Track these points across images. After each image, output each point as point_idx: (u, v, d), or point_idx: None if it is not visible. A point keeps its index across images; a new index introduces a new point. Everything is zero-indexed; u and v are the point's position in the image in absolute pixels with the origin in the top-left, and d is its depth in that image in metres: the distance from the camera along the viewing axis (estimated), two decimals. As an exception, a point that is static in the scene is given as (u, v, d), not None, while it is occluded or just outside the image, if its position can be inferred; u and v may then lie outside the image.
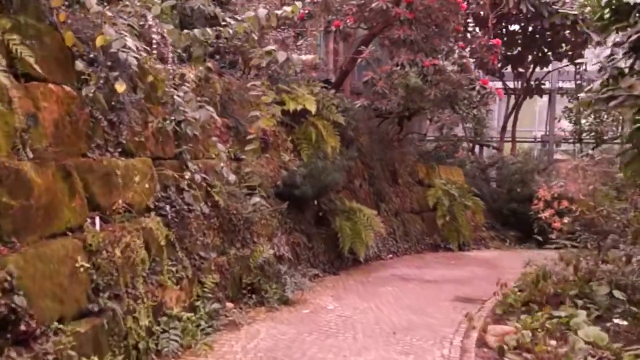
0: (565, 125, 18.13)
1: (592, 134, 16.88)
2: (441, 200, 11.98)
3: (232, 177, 6.27)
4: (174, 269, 5.41)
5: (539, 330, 5.57)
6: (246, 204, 6.97)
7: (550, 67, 17.68)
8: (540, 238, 13.10)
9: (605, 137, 16.95)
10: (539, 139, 20.64)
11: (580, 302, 6.52)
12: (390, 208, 11.27)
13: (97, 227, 4.60)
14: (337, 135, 9.55)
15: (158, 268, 5.17)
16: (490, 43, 9.57)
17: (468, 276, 9.17)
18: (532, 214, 13.59)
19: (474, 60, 10.43)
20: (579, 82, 16.96)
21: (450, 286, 8.30)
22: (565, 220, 13.07)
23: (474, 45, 9.61)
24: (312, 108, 9.02)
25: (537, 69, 17.31)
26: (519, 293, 7.27)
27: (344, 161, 9.28)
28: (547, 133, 20.47)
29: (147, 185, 5.36)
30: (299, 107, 9.00)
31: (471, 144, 16.53)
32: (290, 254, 8.08)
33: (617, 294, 6.62)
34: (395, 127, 13.14)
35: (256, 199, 6.77)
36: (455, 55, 9.33)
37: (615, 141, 17.33)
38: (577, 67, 16.87)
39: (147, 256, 4.94)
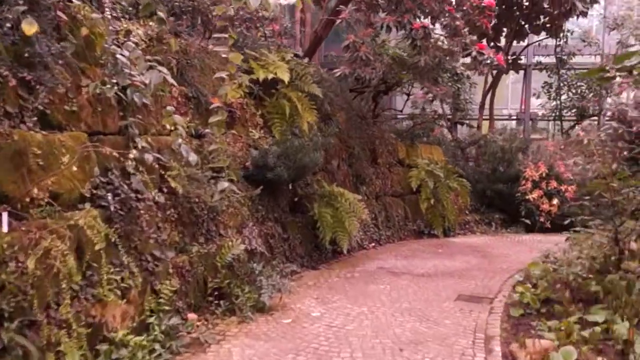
0: (545, 101, 17.34)
1: (574, 110, 16.12)
2: (425, 182, 10.92)
3: (193, 157, 4.97)
4: (117, 277, 4.13)
5: (582, 343, 4.53)
6: (211, 190, 5.69)
7: (526, 41, 16.80)
8: (528, 221, 12.28)
9: (585, 114, 16.24)
10: (514, 117, 19.85)
11: (615, 302, 5.53)
12: (370, 191, 10.14)
13: (4, 227, 3.29)
14: (313, 109, 8.33)
15: (95, 278, 3.88)
16: (482, 4, 8.44)
17: (463, 267, 8.14)
18: (519, 195, 12.76)
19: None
20: (559, 55, 16.11)
21: (448, 281, 7.24)
22: (555, 201, 12.26)
23: (464, 7, 8.47)
24: (285, 77, 7.77)
25: (514, 43, 16.40)
26: (532, 289, 6.24)
27: (322, 139, 8.07)
28: (523, 110, 19.71)
29: (79, 169, 4.03)
30: (270, 76, 7.75)
31: (449, 122, 15.52)
32: (264, 247, 6.87)
33: (649, 289, 5.65)
34: (369, 102, 11.99)
35: (224, 184, 5.48)
36: (447, 16, 8.15)
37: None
38: (558, 40, 15.99)
39: (76, 264, 3.64)
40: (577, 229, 10.02)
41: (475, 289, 6.87)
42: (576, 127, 16.74)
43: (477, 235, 11.60)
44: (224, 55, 6.06)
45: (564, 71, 16.36)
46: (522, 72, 18.26)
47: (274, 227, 7.33)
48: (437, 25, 9.03)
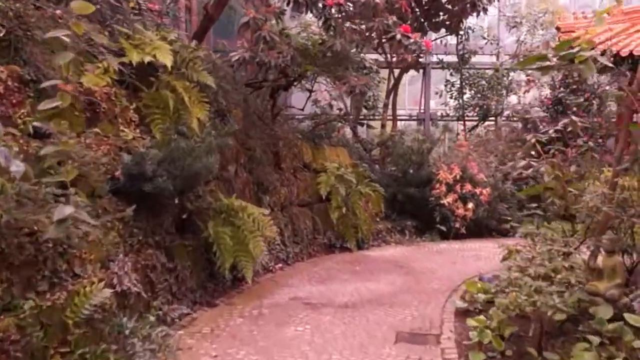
0: (446, 101, 16.76)
1: (477, 109, 15.63)
2: (335, 188, 9.57)
3: (18, 167, 3.15)
4: None
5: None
6: (55, 214, 3.87)
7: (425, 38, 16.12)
8: (443, 227, 11.36)
9: (489, 113, 15.80)
10: (415, 117, 19.20)
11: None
12: (275, 201, 8.60)
13: None
14: (205, 102, 6.65)
15: None
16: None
17: (389, 291, 6.85)
18: (432, 199, 11.82)
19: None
20: (461, 53, 15.53)
21: (378, 312, 5.89)
22: (470, 205, 11.43)
23: (380, -14, 7.24)
24: (167, 61, 6.08)
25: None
26: (488, 322, 5.03)
27: (218, 139, 6.41)
28: (423, 110, 19.13)
29: None
30: (147, 59, 6.02)
31: (353, 122, 14.36)
32: (141, 285, 5.11)
33: (630, 319, 4.61)
34: (266, 99, 10.47)
35: (65, 209, 3.62)
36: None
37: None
38: (460, 37, 15.40)
39: None
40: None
41: (414, 322, 5.56)
42: (479, 127, 16.32)
43: (392, 246, 10.45)
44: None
45: (465, 69, 15.80)
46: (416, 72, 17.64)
47: (155, 255, 5.57)
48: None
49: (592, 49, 5.51)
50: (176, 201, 5.96)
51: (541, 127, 13.08)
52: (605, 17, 5.57)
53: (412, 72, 18.81)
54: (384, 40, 7.45)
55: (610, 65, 6.96)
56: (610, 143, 12.92)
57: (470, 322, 5.05)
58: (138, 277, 5.13)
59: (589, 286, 5.05)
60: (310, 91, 11.88)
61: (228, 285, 6.62)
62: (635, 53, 12.57)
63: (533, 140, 6.64)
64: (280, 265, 8.01)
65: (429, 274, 7.88)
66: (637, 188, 6.27)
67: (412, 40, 7.03)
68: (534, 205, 6.89)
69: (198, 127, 6.34)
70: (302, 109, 12.59)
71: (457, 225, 11.12)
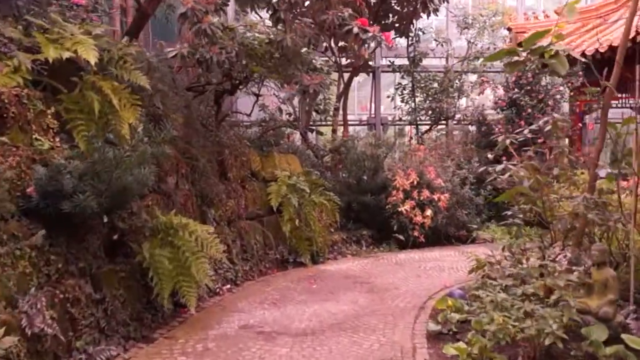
0: (397, 105, 16.32)
1: (430, 112, 15.24)
2: (287, 198, 8.85)
3: None
4: None
5: None
6: None
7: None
8: (401, 237, 10.80)
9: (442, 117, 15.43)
10: (365, 122, 18.72)
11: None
12: (221, 215, 7.81)
13: None
14: (138, 106, 5.82)
15: None
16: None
17: (352, 312, 6.18)
18: (389, 207, 11.27)
19: None
20: (412, 55, 15.11)
21: (342, 340, 5.21)
22: (428, 212, 10.92)
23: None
24: (91, 57, 5.23)
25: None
26: (467, 348, 4.42)
27: (153, 147, 5.58)
28: (373, 114, 18.68)
29: None
30: (66, 55, 5.16)
31: (303, 127, 13.68)
32: (60, 323, 4.25)
33: (630, 341, 4.09)
34: (210, 105, 9.67)
35: None
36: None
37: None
38: (410, 40, 15.00)
39: None
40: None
41: (383, 351, 4.91)
42: (432, 131, 15.95)
43: (348, 258, 9.80)
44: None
45: (416, 72, 15.39)
46: (367, 75, 17.22)
47: (78, 285, 4.70)
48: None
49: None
50: (105, 220, 5.11)
51: (496, 129, 12.80)
52: (575, 8, 5.10)
53: (359, 77, 18.45)
54: (338, 41, 6.74)
55: (584, 60, 6.56)
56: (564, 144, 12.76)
57: (449, 349, 4.45)
58: (56, 314, 4.28)
59: (578, 303, 4.53)
60: (257, 95, 11.12)
61: (169, 314, 5.78)
62: (587, 53, 12.48)
63: (507, 141, 6.13)
64: (228, 286, 7.21)
65: (393, 290, 7.27)
66: (615, 191, 5.86)
67: (370, 34, 6.41)
68: (508, 212, 6.34)
69: (130, 134, 5.50)
70: (249, 115, 11.81)
71: (416, 233, 10.59)
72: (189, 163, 7.34)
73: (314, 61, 9.53)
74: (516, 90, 12.48)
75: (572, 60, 12.80)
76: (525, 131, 6.25)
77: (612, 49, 11.78)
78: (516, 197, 6.06)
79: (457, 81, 15.30)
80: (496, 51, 5.75)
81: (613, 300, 4.49)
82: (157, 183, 6.40)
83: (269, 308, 6.34)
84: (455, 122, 15.85)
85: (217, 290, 6.93)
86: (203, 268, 5.37)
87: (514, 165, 5.86)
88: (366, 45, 6.68)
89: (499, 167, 5.74)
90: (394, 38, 15.47)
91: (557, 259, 5.70)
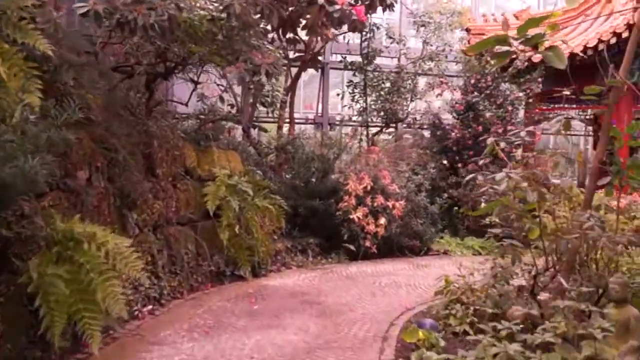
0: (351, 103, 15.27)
1: (382, 113, 14.30)
2: (227, 201, 7.62)
3: None
4: None
5: None
6: None
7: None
8: (352, 247, 9.77)
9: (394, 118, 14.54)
10: (311, 120, 17.63)
11: None
12: (146, 219, 6.49)
13: None
14: (37, 78, 4.48)
15: None
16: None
17: (302, 345, 5.05)
18: (340, 214, 10.22)
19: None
20: (365, 51, 14.13)
21: (291, 388, 4.07)
22: (382, 221, 9.94)
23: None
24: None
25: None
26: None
27: (53, 131, 4.26)
28: (320, 113, 17.62)
29: None
30: None
31: (248, 121, 12.43)
32: None
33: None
34: (141, 90, 8.34)
35: None
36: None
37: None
38: (364, 34, 14.00)
39: None
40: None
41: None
42: (383, 133, 15.04)
43: (294, 270, 8.66)
44: None
45: (369, 71, 14.40)
46: (316, 71, 16.12)
47: None
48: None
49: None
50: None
51: (453, 133, 12.03)
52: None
53: (304, 74, 17.41)
54: (287, 32, 5.57)
55: (582, 55, 5.71)
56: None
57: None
58: None
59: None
60: (196, 83, 9.80)
61: (68, 349, 4.46)
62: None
63: (502, 144, 5.19)
64: (150, 307, 5.92)
65: (348, 313, 6.19)
66: (615, 206, 5.02)
67: (337, 7, 5.32)
68: (497, 230, 5.39)
69: (20, 114, 4.15)
70: (186, 104, 10.45)
71: (368, 243, 9.58)
72: (107, 155, 5.99)
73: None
74: (475, 93, 11.71)
75: (531, 66, 12.19)
76: (522, 133, 5.31)
77: (572, 56, 11.24)
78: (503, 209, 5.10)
79: (409, 82, 14.46)
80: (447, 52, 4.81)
81: (637, 347, 3.57)
82: (63, 178, 5.06)
83: (200, 338, 5.11)
84: (405, 125, 15.02)
85: (137, 313, 5.63)
86: (113, 293, 4.09)
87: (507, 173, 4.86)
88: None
89: (498, 176, 4.73)
90: (343, 33, 14.49)
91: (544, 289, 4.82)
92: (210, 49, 7.31)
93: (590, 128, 17.27)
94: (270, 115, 12.24)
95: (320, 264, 9.22)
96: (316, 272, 8.55)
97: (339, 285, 7.66)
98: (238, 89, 11.27)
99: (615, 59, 11.48)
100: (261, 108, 12.40)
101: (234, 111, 11.73)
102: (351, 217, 9.53)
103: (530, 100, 11.62)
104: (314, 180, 10.58)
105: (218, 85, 10.53)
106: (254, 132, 14.51)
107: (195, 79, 9.66)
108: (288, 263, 8.94)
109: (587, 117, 15.32)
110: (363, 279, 8.20)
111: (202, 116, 10.50)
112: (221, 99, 8.57)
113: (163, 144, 7.43)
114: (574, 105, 12.78)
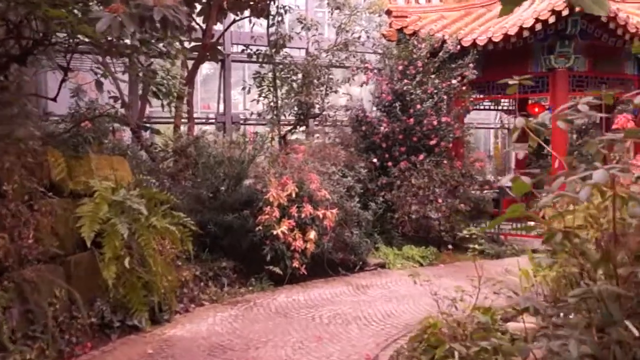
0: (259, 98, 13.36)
1: (296, 109, 12.57)
2: (112, 225, 5.52)
3: None
4: None
5: None
6: None
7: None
8: (277, 269, 7.94)
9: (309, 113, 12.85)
10: (212, 119, 15.55)
11: None
12: (-19, 262, 4.28)
13: None
14: None
15: None
16: None
17: None
18: (259, 229, 8.37)
19: None
20: (274, 39, 12.31)
21: None
22: (312, 235, 8.18)
23: None
24: None
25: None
26: None
27: None
28: (222, 112, 15.60)
29: None
30: None
31: (138, 120, 10.18)
32: None
33: None
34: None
35: None
36: None
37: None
38: (271, 19, 12.21)
39: None
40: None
41: None
42: (296, 132, 13.33)
43: (207, 308, 6.68)
44: None
45: (279, 62, 12.59)
46: (216, 62, 14.13)
47: None
48: None
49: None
50: None
51: (382, 128, 10.54)
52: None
53: (200, 75, 15.43)
54: None
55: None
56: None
57: None
58: None
59: None
60: (67, 70, 7.51)
61: None
62: (478, 42, 10.76)
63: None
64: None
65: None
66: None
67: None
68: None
69: None
70: (55, 99, 8.08)
71: (296, 263, 7.81)
72: None
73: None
74: (405, 81, 10.29)
75: (463, 50, 10.91)
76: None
77: (506, 38, 10.18)
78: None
79: (324, 73, 12.84)
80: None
81: None
82: None
83: None
84: (316, 122, 13.40)
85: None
86: None
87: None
88: None
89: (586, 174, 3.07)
90: (244, 18, 12.68)
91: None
92: (80, 20, 5.23)
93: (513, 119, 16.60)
94: (165, 112, 10.05)
95: (240, 295, 7.30)
96: (236, 309, 6.63)
97: (270, 328, 5.82)
98: (124, 78, 9.04)
99: (550, 42, 10.58)
100: (155, 105, 10.15)
101: (119, 107, 9.50)
102: (274, 232, 7.69)
103: (464, 88, 10.37)
104: (224, 189, 8.61)
105: (96, 73, 8.28)
106: (146, 134, 12.26)
107: (66, 65, 7.41)
108: (198, 298, 6.94)
109: (509, 107, 14.50)
110: (298, 313, 6.42)
111: (75, 114, 8.23)
112: (98, 84, 6.39)
113: (11, 151, 5.20)
114: (501, 94, 11.74)
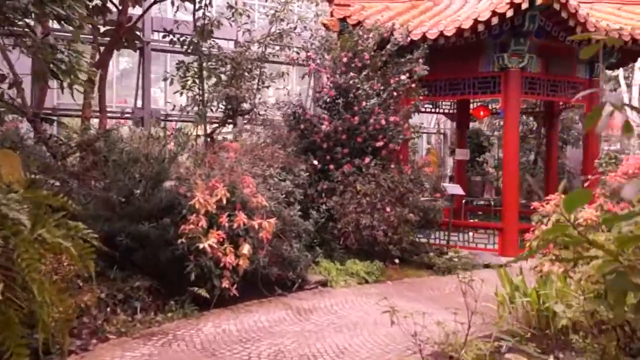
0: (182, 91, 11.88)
1: (224, 103, 11.26)
2: (-24, 241, 4.04)
3: None
4: None
5: None
6: None
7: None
8: (203, 291, 6.60)
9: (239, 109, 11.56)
10: (129, 114, 13.90)
11: None
12: None
13: None
14: None
15: None
16: None
17: None
18: (183, 241, 6.99)
19: None
20: (200, 24, 10.90)
21: None
22: (246, 249, 6.89)
23: None
24: None
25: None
26: None
27: None
28: (140, 105, 14.00)
29: None
30: None
31: (35, 108, 8.51)
32: None
33: None
34: None
35: None
36: None
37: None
38: (197, 4, 10.80)
39: None
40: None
41: None
42: (225, 128, 12.02)
43: (113, 344, 5.24)
44: None
45: (206, 51, 11.21)
46: (134, 51, 12.55)
47: None
48: None
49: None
50: None
51: (323, 126, 9.43)
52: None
53: (117, 69, 13.83)
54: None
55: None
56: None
57: None
58: None
59: None
60: None
61: None
62: (429, 36, 9.93)
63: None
64: None
65: None
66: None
67: None
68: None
69: None
70: None
71: (226, 283, 6.52)
72: None
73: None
74: (352, 74, 9.24)
75: (412, 43, 9.97)
76: None
77: (459, 33, 9.40)
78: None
79: (256, 66, 11.62)
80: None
81: None
82: None
83: None
84: (245, 120, 12.15)
85: None
86: None
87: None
88: None
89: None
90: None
91: None
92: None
93: (451, 123, 16.02)
94: (77, 103, 8.46)
95: (156, 324, 5.91)
96: (150, 345, 5.25)
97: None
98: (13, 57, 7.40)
99: (505, 39, 9.83)
100: (67, 94, 8.51)
101: (11, 91, 7.87)
102: (200, 246, 6.37)
103: (414, 86, 9.47)
104: (139, 192, 7.16)
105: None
106: (52, 127, 10.58)
107: None
108: (102, 330, 5.50)
109: (450, 110, 13.81)
110: (228, 349, 5.15)
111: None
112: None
113: None
114: (449, 94, 10.95)
